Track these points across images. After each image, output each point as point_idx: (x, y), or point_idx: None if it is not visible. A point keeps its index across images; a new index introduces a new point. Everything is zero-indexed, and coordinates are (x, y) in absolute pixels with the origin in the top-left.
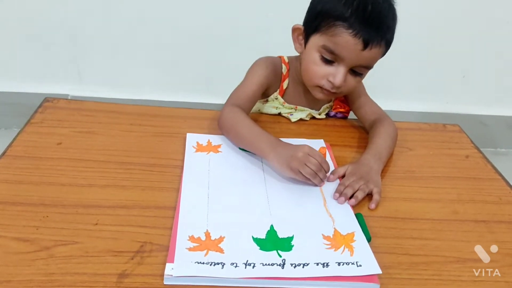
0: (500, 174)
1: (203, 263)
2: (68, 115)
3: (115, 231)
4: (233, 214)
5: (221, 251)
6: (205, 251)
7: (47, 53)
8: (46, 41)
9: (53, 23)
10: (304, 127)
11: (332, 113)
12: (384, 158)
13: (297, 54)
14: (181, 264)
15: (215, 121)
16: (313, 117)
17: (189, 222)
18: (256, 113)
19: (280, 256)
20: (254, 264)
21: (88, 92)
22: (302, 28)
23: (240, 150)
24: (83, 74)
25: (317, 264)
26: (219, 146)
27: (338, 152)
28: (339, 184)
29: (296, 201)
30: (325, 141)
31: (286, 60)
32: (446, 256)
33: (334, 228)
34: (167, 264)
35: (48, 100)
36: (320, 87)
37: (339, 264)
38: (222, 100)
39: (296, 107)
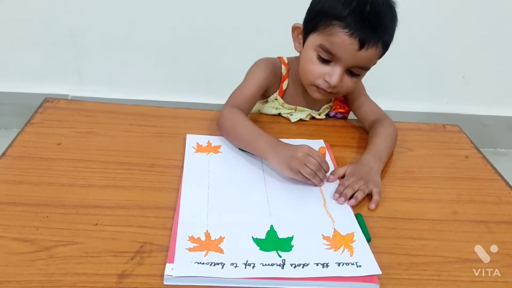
0: (500, 175)
1: (203, 263)
2: (68, 115)
3: (115, 231)
4: (233, 214)
5: (221, 251)
6: (205, 251)
7: (47, 53)
8: (46, 41)
9: (53, 23)
10: (304, 128)
11: (332, 114)
12: (384, 158)
13: (297, 54)
14: (181, 265)
15: (215, 121)
16: (313, 118)
17: (189, 222)
18: (256, 113)
19: (280, 257)
20: (254, 264)
21: (88, 92)
22: (302, 27)
23: (240, 151)
24: (83, 74)
25: (317, 264)
26: (219, 146)
27: (338, 152)
28: (339, 185)
29: (296, 201)
30: (324, 141)
31: (286, 61)
32: (445, 256)
33: (334, 228)
34: (167, 265)
35: (48, 101)
36: (317, 86)
37: (339, 264)
38: (222, 100)
39: (296, 108)
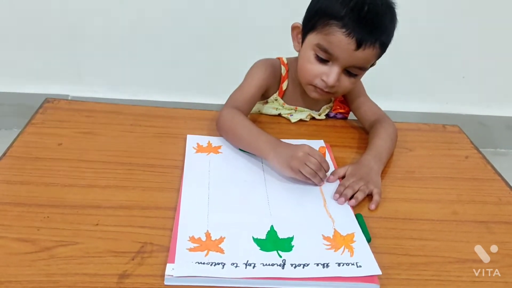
0: (500, 175)
1: (204, 263)
2: (69, 115)
3: (116, 231)
4: (234, 214)
5: (222, 251)
6: (205, 252)
7: (47, 53)
8: (46, 42)
9: (53, 23)
10: (304, 128)
11: (332, 114)
12: (384, 159)
13: (296, 55)
14: (182, 265)
15: (215, 121)
16: (313, 118)
17: (190, 222)
18: (256, 113)
19: (280, 257)
20: (255, 264)
21: (88, 92)
22: (301, 26)
23: (240, 151)
24: (83, 75)
25: (317, 264)
26: (219, 147)
27: (338, 152)
28: (339, 185)
29: (296, 201)
30: (325, 141)
31: (285, 62)
32: (445, 256)
33: (334, 228)
34: (168, 265)
35: (48, 101)
36: (314, 86)
37: (339, 264)
38: (222, 101)
39: (296, 108)
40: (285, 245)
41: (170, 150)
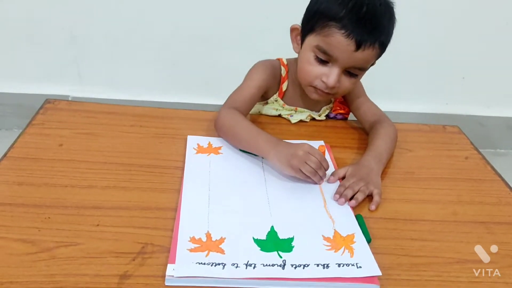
0: (500, 175)
1: (204, 263)
2: (69, 116)
3: (117, 232)
4: (234, 215)
5: (222, 251)
6: (206, 252)
7: (47, 54)
8: (47, 42)
9: (54, 24)
10: (304, 129)
11: (332, 115)
12: (384, 159)
13: (296, 56)
14: (182, 265)
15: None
16: (313, 119)
17: (190, 223)
18: (256, 114)
19: (281, 257)
20: (255, 264)
21: (88, 93)
22: (300, 28)
23: (241, 152)
24: (83, 75)
25: (317, 265)
26: (219, 148)
27: (338, 153)
28: (339, 186)
29: (297, 202)
30: (325, 142)
31: (285, 62)
32: (445, 257)
33: (334, 229)
34: (169, 265)
35: (49, 102)
36: (314, 87)
37: (339, 265)
38: (222, 102)
39: (296, 109)
40: (286, 245)
41: (170, 151)
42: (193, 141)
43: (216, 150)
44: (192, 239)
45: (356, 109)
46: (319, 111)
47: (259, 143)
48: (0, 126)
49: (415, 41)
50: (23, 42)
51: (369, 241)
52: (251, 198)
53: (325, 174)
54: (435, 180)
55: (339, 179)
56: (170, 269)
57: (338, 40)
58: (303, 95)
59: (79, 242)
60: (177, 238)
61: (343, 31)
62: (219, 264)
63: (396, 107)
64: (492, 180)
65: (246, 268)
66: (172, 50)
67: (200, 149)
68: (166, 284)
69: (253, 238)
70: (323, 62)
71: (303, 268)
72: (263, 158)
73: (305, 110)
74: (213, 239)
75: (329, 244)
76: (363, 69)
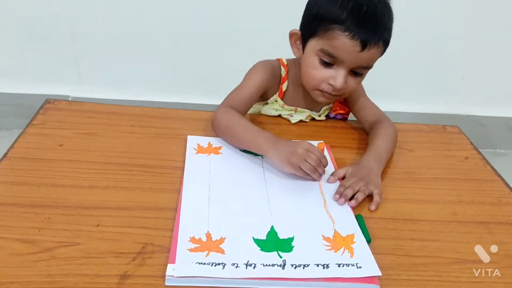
0: (500, 176)
1: (204, 263)
2: (69, 116)
3: (117, 232)
4: (234, 215)
5: (222, 251)
6: (206, 252)
7: (47, 54)
8: (47, 42)
9: (53, 24)
10: (304, 129)
11: (332, 115)
12: (384, 159)
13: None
14: (182, 265)
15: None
16: (313, 119)
17: (190, 223)
18: (256, 114)
19: (281, 257)
20: (255, 264)
21: (88, 93)
22: (299, 32)
23: (241, 152)
24: (83, 75)
25: (317, 265)
26: (219, 148)
27: (338, 153)
28: (339, 185)
29: (297, 202)
30: (325, 142)
31: (285, 63)
32: (445, 257)
33: (334, 229)
34: (169, 265)
35: (49, 102)
36: (321, 91)
37: (339, 265)
38: None
39: (296, 109)
40: (285, 245)
41: (170, 151)
42: (193, 141)
43: (216, 150)
44: (192, 239)
45: (357, 110)
46: (319, 111)
47: (258, 142)
48: (0, 126)
49: (415, 41)
50: (23, 42)
51: (369, 241)
52: (251, 198)
53: (324, 171)
54: (435, 180)
55: (339, 179)
56: (170, 269)
57: (343, 42)
58: (303, 95)
59: (79, 242)
60: (177, 238)
61: (347, 33)
62: (219, 264)
63: (396, 107)
64: (492, 180)
65: (246, 268)
66: (172, 50)
67: (200, 149)
68: (166, 284)
69: (253, 238)
70: (328, 64)
71: (303, 268)
72: (263, 157)
73: (305, 110)
74: (213, 239)
75: (329, 244)
76: (368, 68)
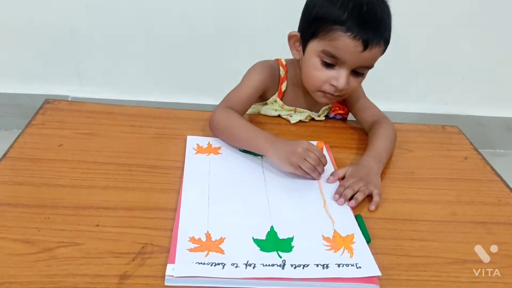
0: (499, 176)
1: (204, 263)
2: (69, 116)
3: (116, 232)
4: (234, 215)
5: (222, 251)
6: (205, 252)
7: (47, 54)
8: (46, 42)
9: (53, 24)
10: (304, 129)
11: (331, 115)
12: (384, 159)
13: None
14: (182, 265)
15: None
16: (312, 119)
17: (190, 223)
18: (255, 114)
19: (280, 257)
20: (255, 264)
21: (88, 93)
22: (298, 34)
23: (241, 152)
24: (83, 75)
25: (317, 265)
26: (219, 148)
27: (338, 153)
28: (339, 186)
29: (296, 202)
30: (324, 142)
31: (284, 63)
32: (445, 257)
33: (334, 229)
34: (168, 265)
35: (48, 102)
36: (323, 92)
37: (338, 265)
38: None
39: (295, 109)
40: (285, 245)
41: (170, 151)
42: (192, 141)
43: (215, 150)
44: (192, 239)
45: (356, 111)
46: (318, 112)
47: (258, 142)
48: None
49: (414, 41)
50: (22, 42)
51: (368, 241)
52: (251, 198)
53: (323, 170)
54: (434, 180)
55: (338, 179)
56: (170, 269)
57: (345, 43)
58: (303, 95)
59: (79, 242)
60: (176, 238)
61: (349, 34)
62: (218, 264)
63: (395, 107)
64: (492, 180)
65: (246, 268)
66: (172, 50)
67: (199, 149)
68: (165, 284)
69: (253, 238)
70: (329, 65)
71: (303, 268)
72: (262, 157)
73: (305, 110)
74: (213, 239)
75: (328, 244)
76: (369, 67)
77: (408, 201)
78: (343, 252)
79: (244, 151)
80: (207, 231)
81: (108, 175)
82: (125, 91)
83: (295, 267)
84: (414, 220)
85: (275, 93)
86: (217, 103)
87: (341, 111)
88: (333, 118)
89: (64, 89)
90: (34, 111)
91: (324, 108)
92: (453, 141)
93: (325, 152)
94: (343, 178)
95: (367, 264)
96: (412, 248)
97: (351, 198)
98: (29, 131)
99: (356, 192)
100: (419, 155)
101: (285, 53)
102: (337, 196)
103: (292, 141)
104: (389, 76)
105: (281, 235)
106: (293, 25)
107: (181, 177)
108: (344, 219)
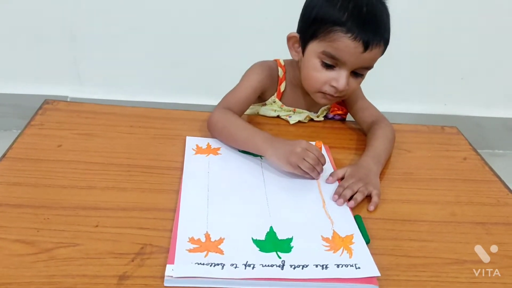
0: (498, 176)
1: (203, 264)
2: (68, 117)
3: (116, 233)
4: (233, 215)
5: (221, 252)
6: (205, 252)
7: (46, 54)
8: (46, 43)
9: (53, 24)
10: (302, 129)
11: (330, 115)
12: (383, 160)
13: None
14: (181, 265)
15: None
16: (311, 119)
17: (189, 223)
18: (254, 115)
19: (280, 258)
20: (254, 265)
21: (87, 93)
22: (298, 35)
23: (240, 152)
24: (82, 76)
25: (316, 266)
26: (218, 148)
27: (336, 154)
28: (338, 186)
29: (296, 202)
30: (323, 143)
31: (282, 63)
32: (444, 257)
33: (333, 230)
34: (167, 266)
35: (48, 102)
36: (323, 93)
37: (338, 266)
38: None
39: (294, 110)
40: (284, 246)
41: (169, 152)
42: (192, 142)
43: (215, 151)
44: (191, 240)
45: (355, 111)
46: (317, 112)
47: (256, 142)
48: None
49: (413, 41)
50: (22, 42)
51: (367, 241)
52: (250, 199)
53: (322, 170)
54: (433, 180)
55: (338, 180)
56: (169, 270)
57: (346, 44)
58: (302, 96)
59: (78, 243)
60: (176, 238)
61: (349, 35)
62: (218, 264)
63: (394, 108)
64: (490, 181)
65: (245, 268)
66: (171, 51)
67: (199, 150)
68: (165, 284)
69: (252, 238)
70: (329, 66)
71: (302, 268)
72: (261, 157)
73: (304, 111)
74: (212, 239)
75: (328, 244)
76: (369, 68)
77: (407, 202)
78: (342, 252)
79: (243, 151)
80: (207, 231)
81: (107, 176)
82: (125, 91)
83: (294, 268)
84: (413, 221)
85: (274, 93)
86: (216, 103)
87: (340, 112)
88: (332, 118)
89: (63, 89)
90: (33, 111)
91: (323, 108)
92: (452, 141)
93: (324, 152)
94: (342, 178)
95: (366, 264)
96: (411, 249)
97: (350, 199)
98: (28, 132)
99: (355, 193)
100: (418, 155)
101: (285, 54)
102: (336, 196)
103: (291, 141)
104: (388, 77)
105: (281, 236)
106: (294, 25)
107: (180, 178)
108: (343, 219)
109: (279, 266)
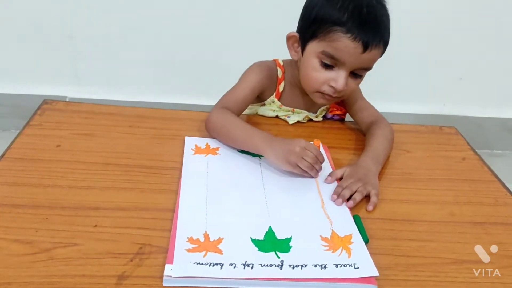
0: (497, 176)
1: (202, 264)
2: (67, 117)
3: (115, 233)
4: (232, 215)
5: (220, 252)
6: (204, 252)
7: (45, 54)
8: (45, 43)
9: (52, 24)
10: (301, 130)
11: (329, 116)
12: (382, 160)
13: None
14: (180, 265)
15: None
16: (310, 120)
17: (188, 223)
18: (253, 115)
19: (279, 257)
20: (253, 265)
21: (86, 93)
22: (297, 35)
23: (239, 152)
24: (81, 76)
25: (315, 265)
26: (217, 148)
27: (335, 154)
28: (337, 186)
29: (294, 202)
30: (322, 143)
31: (281, 63)
32: (443, 257)
33: (332, 230)
34: (166, 265)
35: (46, 102)
36: (322, 93)
37: (336, 266)
38: None
39: (293, 110)
40: (283, 246)
41: (168, 152)
42: (191, 142)
43: (213, 151)
44: (190, 240)
45: (354, 112)
46: (316, 112)
47: (255, 141)
48: None
49: (412, 42)
50: (21, 42)
51: (366, 241)
52: (249, 199)
53: (321, 168)
54: (432, 181)
55: (336, 180)
56: (168, 270)
57: (345, 44)
58: (301, 96)
59: (77, 243)
60: (175, 238)
61: (349, 35)
62: (217, 264)
63: (393, 108)
64: (489, 181)
65: (244, 268)
66: (171, 51)
67: (198, 150)
68: (164, 284)
69: (251, 238)
70: (328, 67)
71: (301, 268)
72: (260, 157)
73: (302, 111)
74: (211, 239)
75: (326, 244)
76: (368, 69)
77: (406, 202)
78: (341, 252)
79: (242, 151)
80: (205, 231)
81: (106, 176)
82: (123, 91)
83: (293, 267)
84: (412, 221)
85: (273, 93)
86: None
87: (338, 112)
88: (331, 118)
89: (62, 89)
90: (32, 111)
91: (321, 108)
92: (450, 141)
93: (322, 151)
94: (341, 178)
95: (365, 264)
96: (410, 249)
97: (349, 199)
98: (27, 132)
99: (354, 193)
100: (417, 155)
101: (285, 54)
102: (335, 196)
103: (289, 140)
104: (387, 77)
105: (279, 235)
106: (294, 25)
107: (179, 178)
108: (342, 219)
109: (278, 266)
